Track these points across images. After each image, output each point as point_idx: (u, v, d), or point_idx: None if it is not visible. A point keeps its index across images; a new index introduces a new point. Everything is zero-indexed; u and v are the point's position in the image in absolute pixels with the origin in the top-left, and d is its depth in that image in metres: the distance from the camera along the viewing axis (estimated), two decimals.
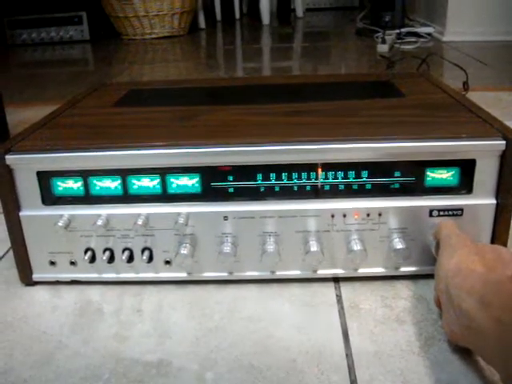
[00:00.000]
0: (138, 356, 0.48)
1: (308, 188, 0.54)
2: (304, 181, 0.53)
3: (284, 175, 0.53)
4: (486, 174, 0.52)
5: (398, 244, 0.53)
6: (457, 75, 1.36)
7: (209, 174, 0.53)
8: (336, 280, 0.58)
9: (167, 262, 0.57)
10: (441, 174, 0.53)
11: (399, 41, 2.14)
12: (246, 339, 0.49)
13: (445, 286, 0.45)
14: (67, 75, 1.90)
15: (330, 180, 0.53)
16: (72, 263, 0.57)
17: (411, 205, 0.53)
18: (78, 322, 0.53)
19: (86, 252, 0.56)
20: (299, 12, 3.32)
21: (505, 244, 0.54)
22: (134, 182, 0.54)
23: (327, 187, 0.53)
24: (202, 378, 0.45)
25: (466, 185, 0.53)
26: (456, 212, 0.53)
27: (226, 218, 0.54)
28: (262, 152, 0.52)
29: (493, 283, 0.39)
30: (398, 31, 2.19)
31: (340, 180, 0.53)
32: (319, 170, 0.53)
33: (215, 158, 0.52)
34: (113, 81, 1.70)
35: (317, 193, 0.54)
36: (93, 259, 0.56)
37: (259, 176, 0.53)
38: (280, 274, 0.57)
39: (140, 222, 0.53)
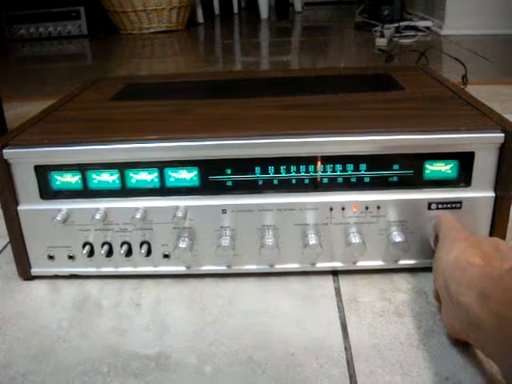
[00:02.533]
0: (137, 350, 0.48)
1: (306, 181, 0.53)
2: (302, 174, 0.53)
3: (282, 168, 0.53)
4: (485, 166, 0.52)
5: (397, 237, 0.53)
6: (455, 69, 1.36)
7: (207, 167, 0.53)
8: (335, 273, 0.58)
9: (166, 256, 0.56)
10: (439, 166, 0.53)
11: (398, 35, 2.14)
12: (245, 333, 0.49)
13: (444, 280, 0.45)
14: (65, 70, 1.90)
15: (329, 173, 0.53)
16: (70, 257, 0.57)
17: (410, 198, 0.53)
18: (76, 316, 0.53)
19: (84, 246, 0.56)
20: (298, 6, 3.32)
21: (503, 237, 0.54)
22: (132, 175, 0.54)
23: (326, 180, 0.53)
24: (200, 372, 0.45)
25: (464, 177, 0.53)
26: (455, 205, 0.53)
27: (224, 211, 0.54)
28: (260, 145, 0.52)
29: (491, 277, 0.39)
30: (396, 25, 2.19)
31: (339, 173, 0.53)
32: (318, 163, 0.53)
33: (213, 151, 0.52)
34: (111, 75, 1.69)
35: (315, 186, 0.54)
36: (91, 253, 0.56)
37: (258, 169, 0.53)
38: (279, 267, 0.57)
39: (138, 215, 0.53)
